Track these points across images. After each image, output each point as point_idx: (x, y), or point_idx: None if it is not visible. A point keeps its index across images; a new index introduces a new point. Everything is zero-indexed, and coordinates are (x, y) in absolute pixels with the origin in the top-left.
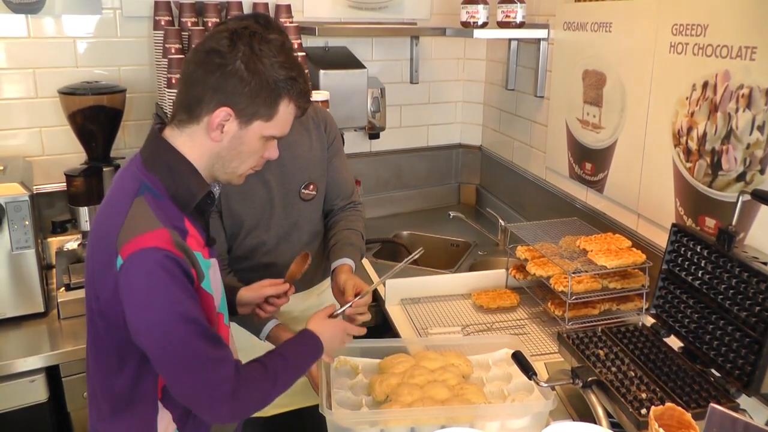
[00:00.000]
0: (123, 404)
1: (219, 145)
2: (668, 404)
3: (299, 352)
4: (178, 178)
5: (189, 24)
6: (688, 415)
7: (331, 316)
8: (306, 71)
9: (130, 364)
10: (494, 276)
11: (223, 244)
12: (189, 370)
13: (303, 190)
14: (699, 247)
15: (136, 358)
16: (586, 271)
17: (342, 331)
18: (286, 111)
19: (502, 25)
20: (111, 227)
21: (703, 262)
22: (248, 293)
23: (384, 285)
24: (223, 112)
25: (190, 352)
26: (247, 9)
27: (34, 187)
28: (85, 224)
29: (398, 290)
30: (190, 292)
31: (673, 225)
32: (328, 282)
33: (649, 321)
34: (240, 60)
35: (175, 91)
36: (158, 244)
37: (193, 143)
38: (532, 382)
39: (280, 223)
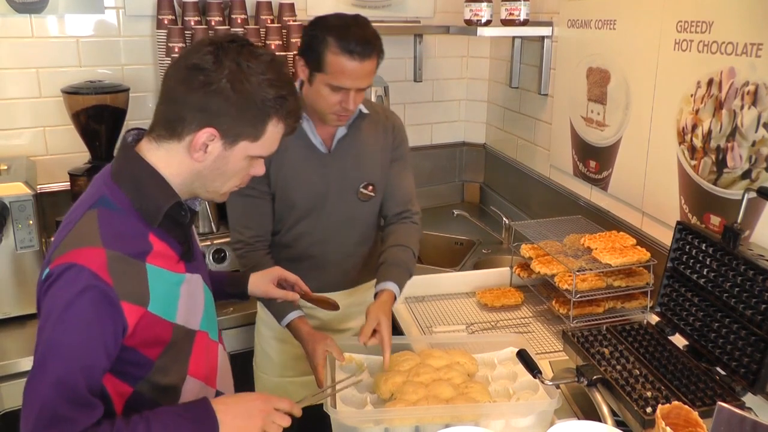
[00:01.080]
0: None
1: (202, 164)
2: (675, 403)
3: (173, 426)
4: (144, 191)
5: (192, 23)
6: (695, 414)
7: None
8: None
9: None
10: (498, 274)
11: (266, 226)
12: (30, 406)
13: (362, 189)
14: (704, 244)
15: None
16: (591, 270)
17: (262, 412)
18: (274, 131)
19: (506, 22)
20: (58, 237)
21: (709, 260)
22: (257, 288)
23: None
24: (206, 133)
25: (41, 390)
26: (250, 7)
27: (38, 187)
28: None
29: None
30: (94, 334)
31: (678, 223)
32: (372, 282)
33: (654, 319)
34: (226, 78)
35: None
36: (86, 263)
37: (170, 160)
38: (537, 381)
39: (331, 217)
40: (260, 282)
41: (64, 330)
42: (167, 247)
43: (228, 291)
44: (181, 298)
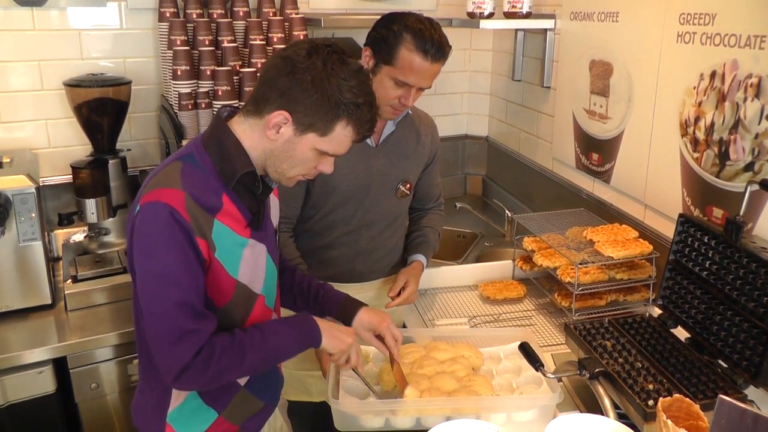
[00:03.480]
0: (146, 359)
1: (273, 143)
2: (676, 395)
3: (287, 336)
4: (225, 155)
5: (194, 15)
6: (697, 407)
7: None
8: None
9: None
10: (501, 267)
11: (294, 209)
12: (158, 332)
13: (400, 186)
14: (706, 237)
15: None
16: (593, 262)
17: (351, 337)
18: (342, 132)
19: (509, 15)
20: (146, 181)
21: (711, 252)
22: (361, 329)
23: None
24: (281, 116)
25: (164, 316)
26: (252, 0)
27: (41, 179)
28: (92, 216)
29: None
30: (186, 257)
31: (680, 215)
32: (391, 278)
33: (656, 312)
34: (309, 72)
35: (180, 82)
36: (170, 201)
37: (252, 134)
38: (541, 375)
39: (368, 209)
40: (366, 327)
41: (164, 261)
42: (237, 210)
43: (324, 308)
44: (243, 259)
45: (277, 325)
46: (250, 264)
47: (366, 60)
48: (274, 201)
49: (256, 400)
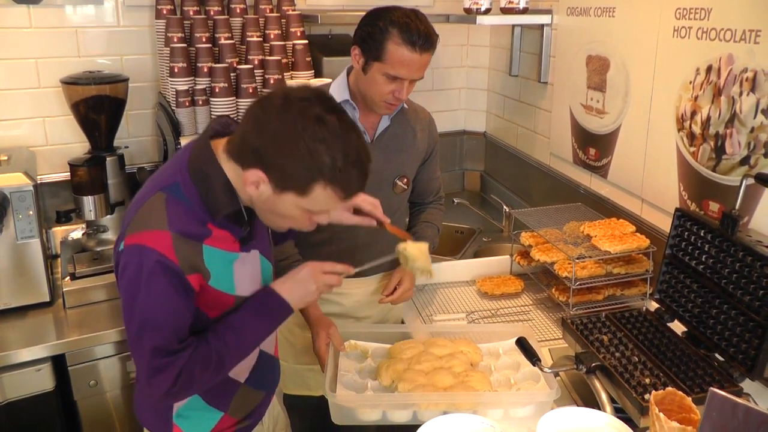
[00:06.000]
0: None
1: (255, 198)
2: (669, 389)
3: (259, 324)
4: (212, 192)
5: (191, 13)
6: (689, 400)
7: None
8: (365, 162)
9: None
10: (498, 262)
11: None
12: (137, 364)
13: (397, 182)
14: (702, 231)
15: None
16: (590, 257)
17: (312, 277)
18: (323, 194)
19: (506, 11)
20: (130, 210)
21: (707, 246)
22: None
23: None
24: (256, 175)
25: (140, 356)
26: None
27: (38, 177)
28: (90, 213)
29: None
30: (170, 301)
31: (677, 210)
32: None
33: (654, 306)
34: (280, 133)
35: (178, 80)
36: (156, 246)
37: (237, 177)
38: (538, 370)
39: None
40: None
41: (146, 306)
42: (228, 233)
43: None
44: (235, 274)
45: (247, 317)
46: (242, 276)
47: (356, 59)
48: None
49: (257, 392)
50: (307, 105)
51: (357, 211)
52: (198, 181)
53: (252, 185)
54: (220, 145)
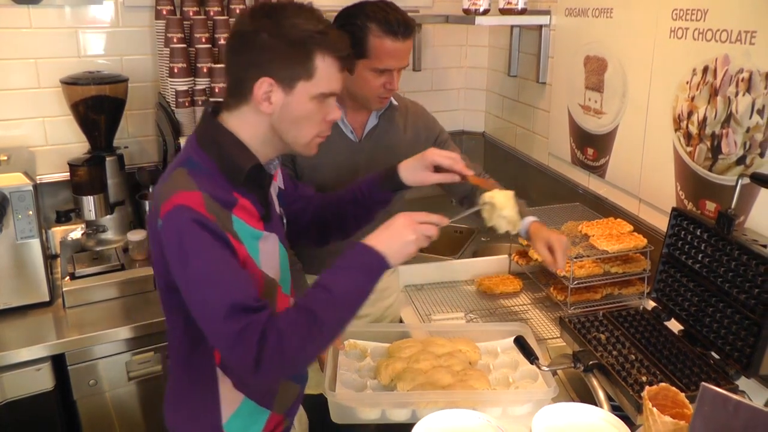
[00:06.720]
0: (183, 370)
1: (271, 117)
2: (662, 384)
3: (352, 278)
4: (225, 154)
5: (191, 13)
6: (682, 395)
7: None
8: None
9: (185, 327)
10: (497, 262)
11: None
12: (215, 338)
13: None
14: (699, 230)
15: (188, 321)
16: (588, 256)
17: (408, 227)
18: (324, 65)
19: (504, 11)
20: (156, 196)
21: (703, 245)
22: (412, 177)
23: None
24: (264, 83)
25: (214, 322)
26: None
27: (38, 177)
28: (89, 213)
29: (402, 276)
30: (217, 256)
31: (674, 209)
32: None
33: (651, 305)
34: (261, 31)
35: (177, 80)
36: (189, 203)
37: (244, 123)
38: (536, 369)
39: None
40: (414, 171)
41: (197, 267)
42: (251, 204)
43: (376, 195)
44: (261, 252)
45: (340, 275)
46: (267, 256)
47: None
48: (273, 185)
49: (294, 385)
50: (269, 3)
51: (438, 169)
52: (211, 150)
53: (265, 101)
54: (222, 118)
